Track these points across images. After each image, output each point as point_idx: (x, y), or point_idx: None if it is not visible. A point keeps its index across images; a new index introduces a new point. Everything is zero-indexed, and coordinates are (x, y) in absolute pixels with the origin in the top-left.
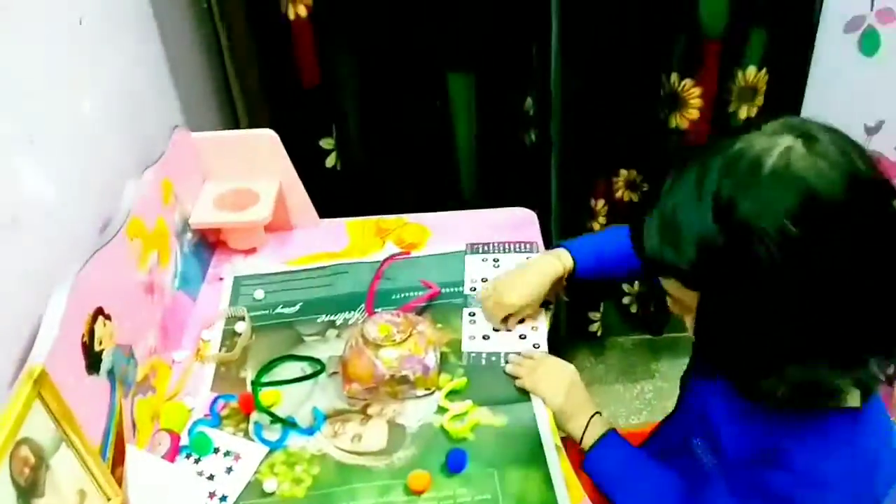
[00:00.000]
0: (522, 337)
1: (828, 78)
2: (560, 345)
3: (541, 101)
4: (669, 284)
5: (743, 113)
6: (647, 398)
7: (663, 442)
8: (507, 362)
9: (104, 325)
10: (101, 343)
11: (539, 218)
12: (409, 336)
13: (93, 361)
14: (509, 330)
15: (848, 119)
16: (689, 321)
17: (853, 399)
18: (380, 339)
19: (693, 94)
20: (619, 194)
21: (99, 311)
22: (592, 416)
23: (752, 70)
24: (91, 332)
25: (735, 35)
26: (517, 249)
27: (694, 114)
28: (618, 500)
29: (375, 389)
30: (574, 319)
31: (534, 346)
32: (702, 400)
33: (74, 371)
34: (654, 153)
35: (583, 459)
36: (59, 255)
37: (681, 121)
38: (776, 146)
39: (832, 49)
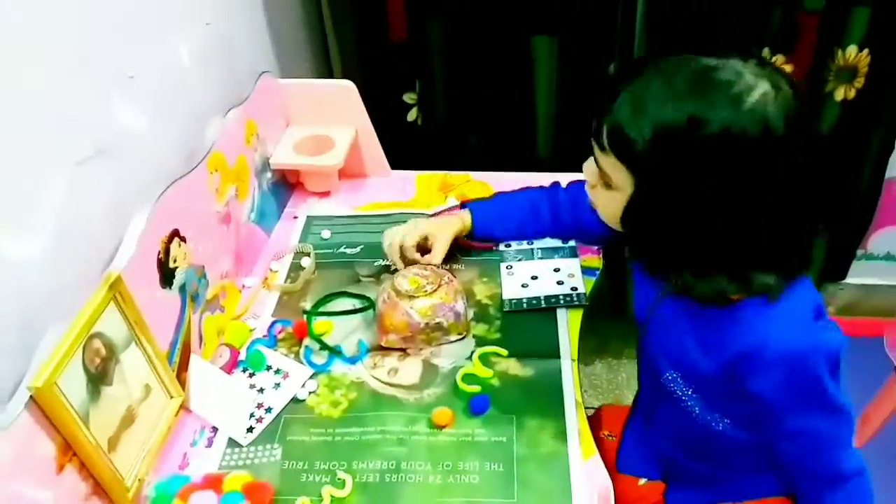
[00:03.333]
0: (560, 283)
1: None
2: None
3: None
4: (607, 160)
5: (840, 94)
6: None
7: (645, 395)
8: (547, 303)
9: (179, 245)
10: (175, 261)
11: None
12: (438, 286)
13: (166, 277)
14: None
15: None
16: (600, 199)
17: (770, 293)
18: (412, 290)
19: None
20: None
21: (175, 233)
22: None
23: (852, 49)
24: (167, 251)
25: (835, 11)
26: None
27: None
28: None
29: (412, 338)
30: None
31: (572, 288)
32: (661, 327)
33: (149, 283)
34: None
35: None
36: (146, 182)
37: None
38: (758, 88)
39: None
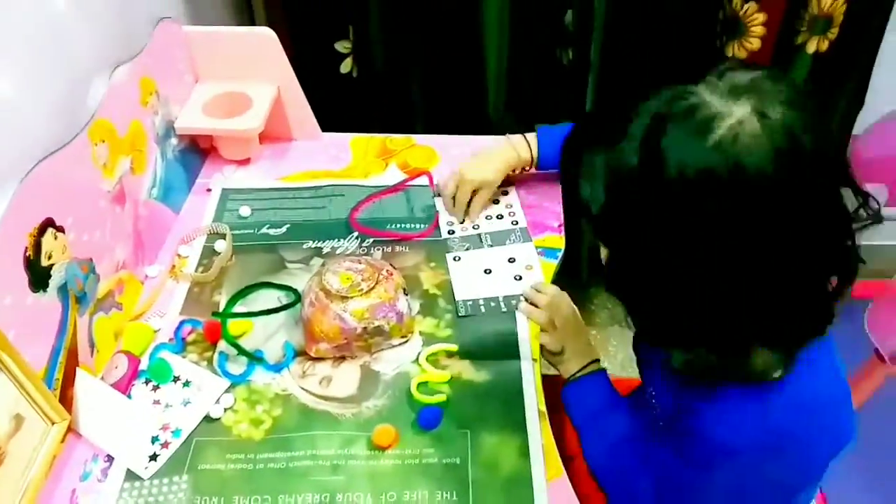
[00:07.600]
0: (518, 278)
1: None
2: (580, 288)
3: (582, 17)
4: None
5: (812, 46)
6: None
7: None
8: (508, 307)
9: (55, 237)
10: (49, 258)
11: None
12: (376, 283)
13: (38, 278)
14: (472, 225)
15: None
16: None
17: (774, 370)
18: (344, 290)
19: (756, 20)
20: None
21: (48, 223)
22: (591, 363)
23: None
24: (37, 246)
25: None
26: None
27: (755, 43)
28: (582, 434)
29: (347, 346)
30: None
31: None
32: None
33: (13, 288)
34: None
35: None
36: (8, 162)
37: (739, 50)
38: (730, 115)
39: None
